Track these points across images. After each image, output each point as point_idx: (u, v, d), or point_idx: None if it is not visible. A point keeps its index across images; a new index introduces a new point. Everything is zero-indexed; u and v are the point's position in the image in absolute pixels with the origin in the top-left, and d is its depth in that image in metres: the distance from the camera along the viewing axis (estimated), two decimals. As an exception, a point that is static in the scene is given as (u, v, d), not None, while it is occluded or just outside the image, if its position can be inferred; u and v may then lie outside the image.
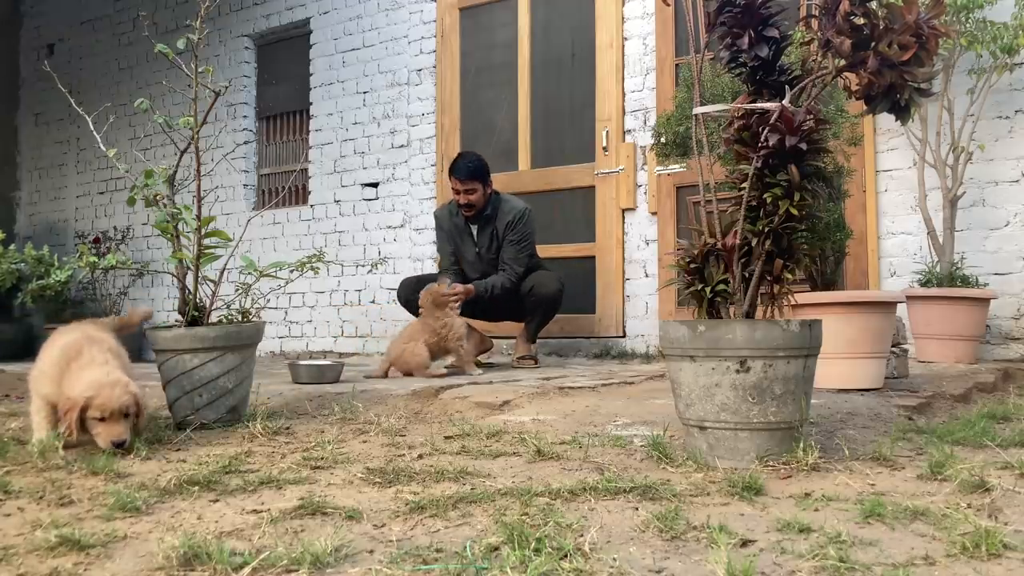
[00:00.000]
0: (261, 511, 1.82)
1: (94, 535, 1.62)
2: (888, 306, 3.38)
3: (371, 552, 1.53)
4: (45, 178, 9.05)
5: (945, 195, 4.34)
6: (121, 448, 2.49)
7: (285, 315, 7.09)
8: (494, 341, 5.41)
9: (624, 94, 5.50)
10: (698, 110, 2.46)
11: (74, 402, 2.48)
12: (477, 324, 5.14)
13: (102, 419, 2.48)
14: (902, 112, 2.23)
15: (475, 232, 4.96)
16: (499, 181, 5.38)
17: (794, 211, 2.23)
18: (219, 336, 3.06)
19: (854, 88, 2.24)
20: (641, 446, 2.45)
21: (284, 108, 7.37)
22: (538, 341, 5.11)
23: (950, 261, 4.28)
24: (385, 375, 4.46)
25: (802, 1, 4.59)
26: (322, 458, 2.38)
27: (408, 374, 4.42)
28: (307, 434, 2.85)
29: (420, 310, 4.55)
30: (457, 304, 4.55)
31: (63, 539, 1.57)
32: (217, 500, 1.95)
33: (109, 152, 3.23)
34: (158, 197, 3.13)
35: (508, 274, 4.80)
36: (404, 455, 2.45)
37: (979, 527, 1.53)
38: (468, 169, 4.81)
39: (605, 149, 5.50)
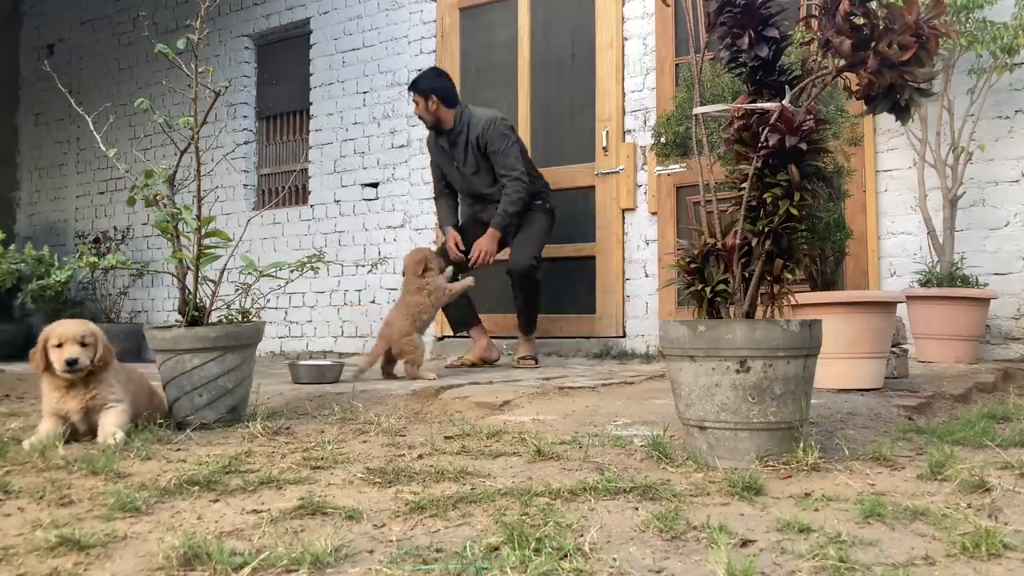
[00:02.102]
0: (261, 511, 1.82)
1: (94, 535, 1.62)
2: (888, 306, 3.38)
3: (371, 552, 1.53)
4: (45, 178, 9.05)
5: (945, 195, 4.34)
6: (74, 368, 2.68)
7: (285, 315, 7.09)
8: (494, 341, 5.41)
9: (624, 94, 5.50)
10: (698, 110, 2.46)
11: (39, 340, 2.75)
12: (487, 322, 5.13)
13: (59, 346, 2.71)
14: (902, 112, 2.23)
15: (451, 150, 4.99)
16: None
17: (794, 211, 2.23)
18: (219, 336, 3.06)
19: (854, 88, 2.25)
20: (641, 446, 2.45)
21: (284, 108, 7.37)
22: (538, 342, 5.10)
23: (950, 261, 4.28)
24: (376, 364, 4.31)
25: (802, 1, 4.59)
26: (322, 458, 2.38)
27: (390, 371, 4.32)
28: (307, 434, 2.85)
29: (404, 271, 4.52)
30: (487, 259, 4.72)
31: (63, 539, 1.57)
32: (217, 500, 1.95)
33: (109, 152, 3.23)
34: (158, 197, 3.13)
35: (509, 188, 4.77)
36: (404, 455, 2.45)
37: (979, 527, 1.53)
38: (412, 82, 4.95)
39: (605, 149, 5.50)
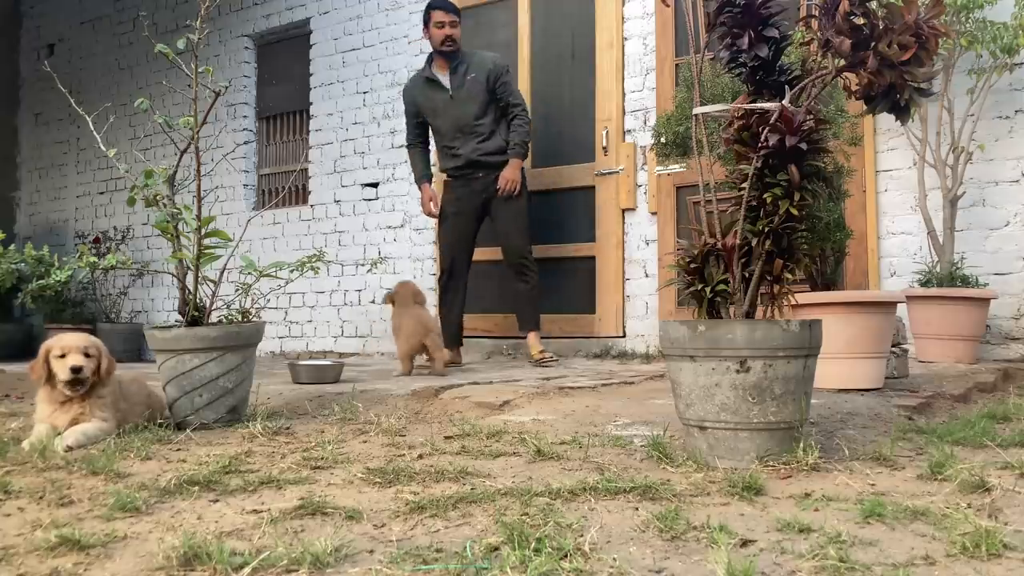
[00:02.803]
0: (261, 511, 1.82)
1: (94, 535, 1.62)
2: (888, 306, 3.38)
3: (371, 552, 1.53)
4: (45, 178, 9.05)
5: (945, 195, 4.34)
6: (78, 375, 2.71)
7: (285, 315, 7.09)
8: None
9: (624, 94, 5.50)
10: (698, 110, 2.46)
11: (40, 352, 2.77)
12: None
13: (62, 356, 2.73)
14: (902, 112, 2.23)
15: (446, 80, 5.09)
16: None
17: (794, 211, 2.23)
18: (219, 336, 3.06)
19: (854, 88, 2.25)
20: (641, 446, 2.45)
21: (284, 108, 7.37)
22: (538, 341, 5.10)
23: (950, 261, 4.28)
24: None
25: (802, 1, 4.59)
26: (322, 458, 2.38)
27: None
28: (307, 434, 2.85)
29: (394, 304, 4.64)
30: (514, 188, 4.93)
31: (63, 539, 1.57)
32: (217, 500, 1.95)
33: (109, 152, 3.23)
34: (158, 197, 3.13)
35: (519, 119, 5.03)
36: (404, 455, 2.45)
37: (979, 527, 1.53)
38: (453, 4, 5.08)
39: (605, 149, 5.50)
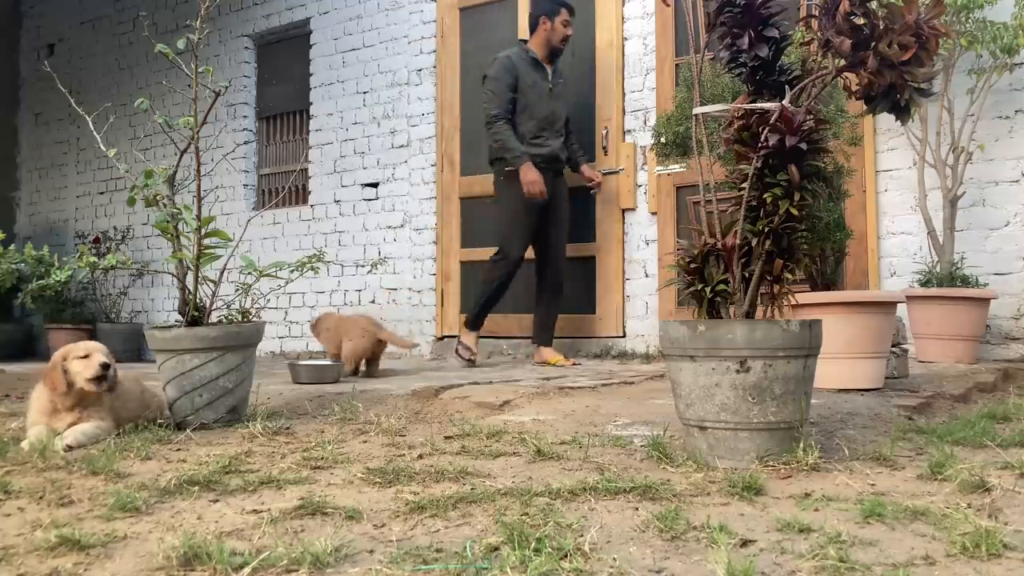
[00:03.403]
0: (261, 511, 1.82)
1: (94, 535, 1.62)
2: (888, 306, 3.38)
3: (371, 552, 1.53)
4: (45, 178, 9.05)
5: (945, 195, 4.34)
6: (106, 372, 2.71)
7: (285, 315, 7.09)
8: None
9: (624, 94, 5.50)
10: (698, 110, 2.46)
11: (53, 361, 2.74)
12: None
13: (85, 356, 2.72)
14: (902, 112, 2.23)
15: (548, 73, 5.16)
16: (499, 181, 5.38)
17: (794, 211, 2.23)
18: (219, 336, 3.06)
19: (854, 88, 2.25)
20: (641, 446, 2.45)
21: (284, 108, 7.37)
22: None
23: (950, 261, 4.28)
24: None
25: (802, 1, 4.59)
26: (322, 458, 2.38)
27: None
28: (307, 434, 2.85)
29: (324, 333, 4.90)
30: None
31: (63, 539, 1.57)
32: (217, 500, 1.95)
33: (109, 152, 3.23)
34: (158, 197, 3.13)
35: (573, 133, 5.33)
36: (404, 455, 2.45)
37: (979, 527, 1.53)
38: (568, 6, 5.15)
39: (605, 149, 5.50)
